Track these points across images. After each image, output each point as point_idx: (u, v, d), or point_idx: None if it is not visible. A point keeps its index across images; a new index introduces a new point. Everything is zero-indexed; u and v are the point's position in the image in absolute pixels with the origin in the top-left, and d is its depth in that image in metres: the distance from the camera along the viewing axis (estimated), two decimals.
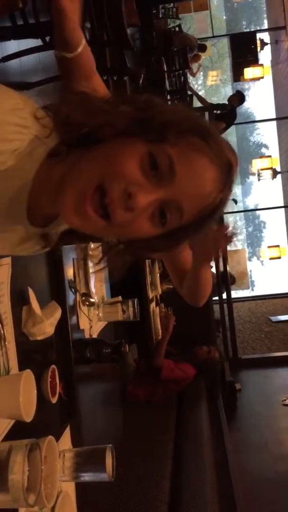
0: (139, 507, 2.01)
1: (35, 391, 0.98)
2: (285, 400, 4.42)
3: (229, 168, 0.74)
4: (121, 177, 0.67)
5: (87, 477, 1.14)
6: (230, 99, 6.94)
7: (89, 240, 0.85)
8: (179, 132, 0.71)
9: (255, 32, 9.89)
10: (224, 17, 11.05)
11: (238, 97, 6.96)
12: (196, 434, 3.01)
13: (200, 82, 11.87)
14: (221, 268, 5.57)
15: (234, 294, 6.74)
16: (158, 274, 3.83)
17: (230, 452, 3.23)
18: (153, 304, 3.71)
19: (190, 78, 8.00)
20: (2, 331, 0.98)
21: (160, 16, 7.45)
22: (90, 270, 1.79)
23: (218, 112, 6.61)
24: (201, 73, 11.20)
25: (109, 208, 0.67)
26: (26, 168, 0.73)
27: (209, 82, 12.02)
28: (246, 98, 7.28)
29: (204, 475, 2.48)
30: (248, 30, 12.70)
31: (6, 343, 1.00)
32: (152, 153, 0.69)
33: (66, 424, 1.37)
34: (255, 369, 5.37)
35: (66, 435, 1.35)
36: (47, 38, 2.28)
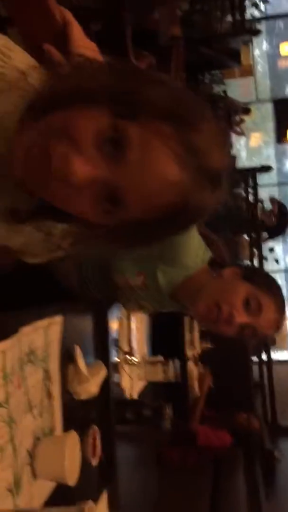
0: None
1: (79, 454, 0.97)
2: None
3: (209, 176, 0.64)
4: (69, 140, 0.59)
5: None
6: None
7: (63, 220, 0.73)
8: (153, 114, 0.61)
9: None
10: (268, 82, 11.36)
11: None
12: (233, 505, 2.87)
13: (242, 143, 12.11)
14: None
15: (274, 355, 6.54)
16: (197, 333, 3.78)
17: None
18: (191, 364, 3.65)
19: (235, 138, 8.18)
20: (50, 389, 0.99)
21: (206, 81, 7.76)
22: (133, 327, 1.81)
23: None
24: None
25: (51, 176, 0.60)
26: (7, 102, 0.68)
27: (251, 144, 12.26)
28: None
29: None
30: None
31: (53, 401, 1.01)
32: (114, 128, 0.60)
33: (103, 487, 1.34)
34: None
35: (103, 499, 1.32)
36: None
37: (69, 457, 0.88)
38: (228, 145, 0.81)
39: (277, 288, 1.34)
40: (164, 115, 0.61)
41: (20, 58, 0.72)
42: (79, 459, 0.97)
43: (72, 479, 0.91)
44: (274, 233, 6.21)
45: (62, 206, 0.64)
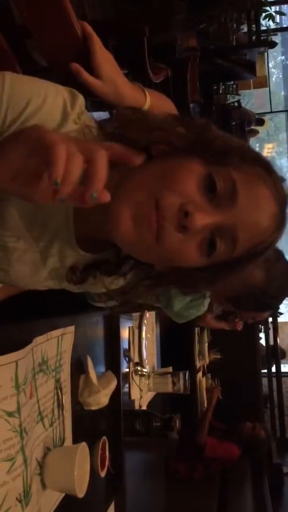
0: None
1: (89, 465, 0.97)
2: None
3: (285, 208, 0.70)
4: (178, 193, 0.62)
5: None
6: None
7: (114, 273, 0.79)
8: (243, 158, 0.67)
9: None
10: (283, 93, 11.37)
11: None
12: None
13: None
14: (271, 341, 5.41)
15: (283, 368, 6.48)
16: (207, 343, 3.77)
17: None
18: (199, 374, 3.63)
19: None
20: (61, 399, 0.99)
21: (220, 91, 7.78)
22: (144, 337, 1.80)
23: None
24: (257, 144, 11.43)
25: (159, 225, 0.62)
26: None
27: (264, 154, 12.28)
28: None
29: None
30: None
31: (64, 411, 1.01)
32: (212, 175, 0.64)
33: (111, 499, 1.33)
34: None
35: (111, 511, 1.32)
36: None
37: (79, 469, 0.88)
38: None
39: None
40: (253, 158, 0.67)
41: (88, 116, 0.75)
42: (88, 470, 0.97)
43: (81, 491, 0.91)
44: None
45: (164, 252, 0.65)
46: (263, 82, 8.16)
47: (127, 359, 1.57)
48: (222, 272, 0.69)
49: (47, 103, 0.66)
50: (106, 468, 1.23)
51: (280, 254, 1.31)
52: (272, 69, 10.98)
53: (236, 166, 0.65)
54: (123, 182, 0.66)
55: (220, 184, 0.64)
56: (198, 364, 3.56)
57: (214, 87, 7.49)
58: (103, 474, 1.20)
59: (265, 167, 0.68)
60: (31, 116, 0.65)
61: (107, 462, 1.23)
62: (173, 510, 2.43)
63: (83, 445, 0.95)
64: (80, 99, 0.70)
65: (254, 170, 0.67)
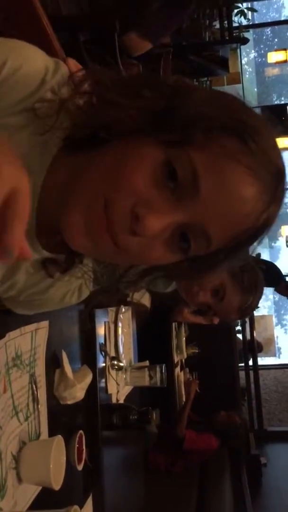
0: None
1: (65, 458, 0.98)
2: None
3: (278, 178, 0.56)
4: (128, 192, 0.52)
5: None
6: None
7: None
8: (210, 130, 0.53)
9: (285, 105, 10.24)
10: (256, 90, 11.52)
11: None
12: (219, 511, 2.87)
13: None
14: (248, 335, 5.48)
15: (260, 361, 6.56)
16: (184, 338, 3.80)
17: None
18: (177, 369, 3.66)
19: None
20: (36, 394, 1.00)
21: None
22: (120, 332, 1.81)
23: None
24: None
25: (112, 232, 0.53)
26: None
27: None
28: None
29: None
30: (278, 102, 13.19)
31: (39, 406, 1.01)
32: (170, 160, 0.52)
33: (89, 492, 1.34)
34: (282, 443, 5.13)
35: (89, 504, 1.33)
36: None
37: (54, 462, 0.89)
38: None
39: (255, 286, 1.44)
40: (223, 127, 0.53)
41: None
42: (65, 463, 0.98)
43: (57, 483, 0.92)
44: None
45: (130, 256, 0.56)
46: (237, 79, 8.20)
47: (103, 353, 1.58)
48: (207, 264, 0.59)
49: (24, 66, 0.56)
50: (83, 462, 1.24)
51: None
52: (245, 66, 11.10)
53: (199, 144, 0.52)
54: (70, 181, 0.55)
55: (180, 172, 0.52)
56: (176, 358, 3.58)
57: None
58: (80, 467, 1.21)
59: (241, 134, 0.53)
60: (5, 79, 0.55)
61: (84, 456, 1.24)
62: (152, 503, 2.45)
63: (59, 438, 0.96)
64: (63, 68, 0.59)
65: (223, 144, 0.53)
